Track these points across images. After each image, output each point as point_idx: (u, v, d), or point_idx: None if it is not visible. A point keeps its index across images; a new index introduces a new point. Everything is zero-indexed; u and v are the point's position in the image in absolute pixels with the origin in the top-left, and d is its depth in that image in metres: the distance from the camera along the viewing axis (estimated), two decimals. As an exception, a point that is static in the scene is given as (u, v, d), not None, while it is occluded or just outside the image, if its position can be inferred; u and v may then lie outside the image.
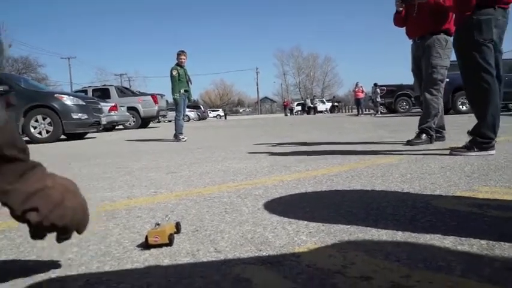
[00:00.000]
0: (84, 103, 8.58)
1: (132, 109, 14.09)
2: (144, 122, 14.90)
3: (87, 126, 8.68)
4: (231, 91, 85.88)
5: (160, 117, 17.76)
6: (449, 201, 1.54)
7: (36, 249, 1.19)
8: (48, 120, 7.94)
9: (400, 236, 1.15)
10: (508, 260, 0.93)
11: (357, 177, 2.16)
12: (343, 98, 60.81)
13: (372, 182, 2.00)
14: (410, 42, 4.07)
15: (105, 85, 17.07)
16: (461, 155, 2.79)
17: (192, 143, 5.89)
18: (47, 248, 1.18)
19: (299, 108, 45.02)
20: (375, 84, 18.16)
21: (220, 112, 52.31)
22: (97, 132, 10.79)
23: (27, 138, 7.91)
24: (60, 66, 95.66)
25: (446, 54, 3.77)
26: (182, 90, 6.75)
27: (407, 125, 6.92)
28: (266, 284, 0.87)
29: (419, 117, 3.94)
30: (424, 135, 3.78)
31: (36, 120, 7.91)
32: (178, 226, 1.27)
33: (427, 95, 3.78)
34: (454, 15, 3.49)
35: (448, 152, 2.94)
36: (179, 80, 6.70)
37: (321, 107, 43.50)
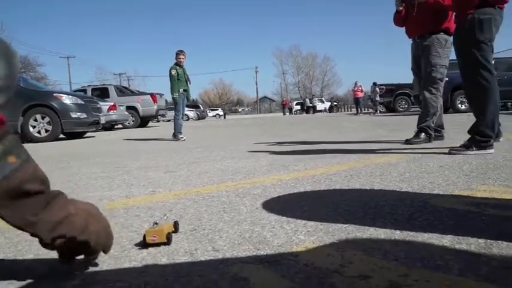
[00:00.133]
0: (83, 102, 8.58)
1: (131, 108, 14.08)
2: (143, 122, 14.89)
3: (86, 125, 8.68)
4: (230, 90, 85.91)
5: (159, 117, 17.74)
6: (448, 200, 1.54)
7: (34, 248, 1.19)
8: (47, 119, 7.94)
9: (398, 235, 1.15)
10: (505, 259, 0.93)
11: (356, 176, 2.16)
12: (342, 98, 60.90)
13: (371, 181, 2.00)
14: (410, 41, 4.07)
15: (104, 84, 17.03)
16: (460, 154, 2.79)
17: (191, 142, 5.89)
18: (49, 248, 1.18)
19: (298, 107, 45.06)
20: (374, 84, 18.17)
21: (220, 111, 52.24)
22: (96, 131, 10.78)
23: (26, 137, 7.91)
24: (60, 66, 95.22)
25: (445, 54, 3.77)
26: (181, 90, 6.74)
27: (406, 124, 6.93)
28: (264, 283, 0.87)
29: (418, 116, 3.94)
30: (423, 134, 3.78)
31: (35, 120, 7.91)
32: (176, 225, 1.27)
33: (426, 94, 3.78)
34: (453, 14, 3.50)
35: (446, 151, 2.94)
36: (178, 79, 6.70)
37: (320, 106, 43.54)
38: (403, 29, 4.09)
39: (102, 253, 0.99)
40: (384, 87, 16.93)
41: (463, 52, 2.82)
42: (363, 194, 1.75)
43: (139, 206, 1.72)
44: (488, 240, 1.05)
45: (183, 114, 6.93)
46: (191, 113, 31.52)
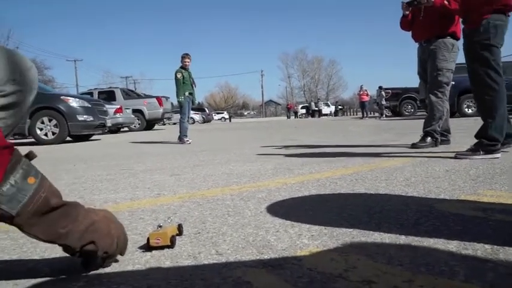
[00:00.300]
0: (89, 105, 8.64)
1: (137, 111, 14.17)
2: (149, 124, 14.97)
3: (93, 128, 8.73)
4: (236, 94, 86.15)
5: (165, 120, 17.82)
6: (454, 205, 1.52)
7: (39, 250, 1.19)
8: (54, 122, 8.00)
9: (403, 240, 1.14)
10: (512, 265, 0.92)
11: (361, 181, 2.15)
12: (348, 101, 60.74)
13: (376, 186, 1.99)
14: (416, 45, 4.06)
15: (110, 87, 17.19)
16: (466, 159, 2.77)
17: (196, 146, 5.91)
18: (49, 248, 1.18)
19: (304, 111, 45.04)
20: (380, 87, 18.11)
21: (225, 115, 52.32)
22: (102, 134, 10.85)
23: (33, 140, 7.97)
24: (67, 69, 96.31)
25: (452, 58, 3.75)
26: (187, 93, 6.77)
27: (412, 128, 6.89)
28: None
29: (424, 120, 3.92)
30: (429, 138, 3.76)
31: (42, 122, 7.97)
32: (180, 228, 1.27)
33: (432, 98, 3.76)
34: (460, 18, 3.49)
35: (453, 155, 2.92)
36: (183, 82, 6.73)
37: (325, 109, 43.48)
38: (409, 33, 4.08)
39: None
40: (390, 91, 16.88)
41: (476, 55, 2.84)
42: (368, 198, 1.74)
43: (144, 209, 1.73)
44: (495, 246, 1.04)
45: (188, 118, 6.95)
46: (197, 116, 31.60)
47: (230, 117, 50.22)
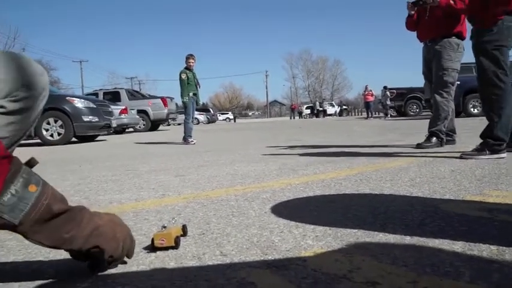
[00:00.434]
0: (95, 106, 8.68)
1: (142, 112, 14.23)
2: (153, 125, 15.02)
3: (98, 128, 8.78)
4: (240, 94, 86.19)
5: (170, 120, 17.88)
6: (459, 206, 1.51)
7: (44, 251, 1.20)
8: (59, 122, 8.05)
9: (408, 240, 1.14)
10: (518, 266, 0.91)
11: (366, 181, 2.14)
12: (352, 101, 60.60)
13: (381, 186, 1.98)
14: (421, 45, 4.04)
15: (115, 88, 17.26)
16: (472, 159, 2.75)
17: (201, 146, 5.92)
18: (54, 250, 1.19)
19: (308, 111, 44.99)
20: (385, 87, 18.04)
21: (230, 115, 52.36)
22: (107, 134, 10.89)
23: (39, 141, 8.03)
24: (72, 70, 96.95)
25: (457, 57, 3.73)
26: (191, 94, 6.79)
27: (417, 128, 6.86)
28: (271, 288, 0.87)
29: (429, 120, 3.90)
30: (434, 138, 3.74)
31: (48, 123, 8.02)
32: (184, 229, 1.27)
33: (437, 98, 3.74)
34: (465, 18, 3.48)
35: (458, 155, 2.90)
36: (188, 83, 6.75)
37: (330, 110, 43.41)
38: (415, 32, 4.06)
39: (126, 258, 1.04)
40: (395, 91, 16.80)
41: (487, 54, 2.83)
42: (372, 199, 1.73)
43: (149, 210, 1.73)
44: (501, 247, 1.03)
45: (193, 118, 6.97)
46: (201, 117, 31.68)
47: (235, 118, 50.27)
